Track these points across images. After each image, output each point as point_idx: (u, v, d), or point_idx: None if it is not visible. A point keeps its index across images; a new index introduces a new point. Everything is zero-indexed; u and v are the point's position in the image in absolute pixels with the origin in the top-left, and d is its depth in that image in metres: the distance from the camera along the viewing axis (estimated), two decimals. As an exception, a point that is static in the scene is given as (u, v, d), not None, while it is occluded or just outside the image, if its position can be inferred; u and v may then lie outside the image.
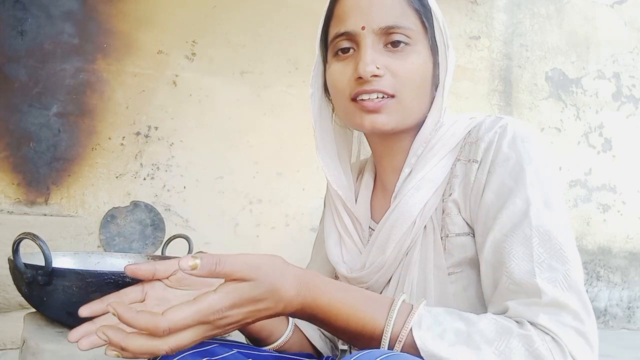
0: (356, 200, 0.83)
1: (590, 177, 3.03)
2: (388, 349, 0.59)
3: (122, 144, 2.12)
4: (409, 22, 0.72)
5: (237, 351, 0.77)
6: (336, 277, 0.87)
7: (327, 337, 0.89)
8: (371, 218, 0.82)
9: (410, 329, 0.58)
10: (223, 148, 2.26)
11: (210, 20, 2.26)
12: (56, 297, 0.99)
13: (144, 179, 2.15)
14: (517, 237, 0.62)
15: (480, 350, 0.56)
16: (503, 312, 0.61)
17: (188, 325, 0.53)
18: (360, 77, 0.71)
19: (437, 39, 0.75)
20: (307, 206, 2.38)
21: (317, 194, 2.37)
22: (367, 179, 0.85)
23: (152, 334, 0.52)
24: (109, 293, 0.96)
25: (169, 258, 1.36)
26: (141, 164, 2.15)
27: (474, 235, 0.70)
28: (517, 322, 0.58)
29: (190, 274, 0.54)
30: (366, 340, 0.62)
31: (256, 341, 0.80)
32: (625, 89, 3.13)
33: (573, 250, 0.63)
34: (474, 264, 0.70)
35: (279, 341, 0.80)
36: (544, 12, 2.99)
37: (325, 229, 0.85)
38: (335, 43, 0.75)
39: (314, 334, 0.86)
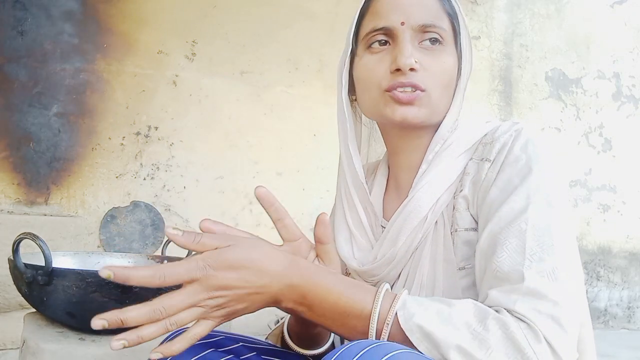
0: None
1: (590, 177, 3.03)
2: (376, 334, 0.61)
3: (122, 144, 2.12)
4: (443, 23, 0.76)
5: (242, 344, 0.80)
6: (347, 273, 0.87)
7: None
8: (383, 217, 0.84)
9: (396, 313, 0.60)
10: (223, 148, 2.26)
11: (210, 20, 2.26)
12: (56, 297, 0.99)
13: (144, 179, 2.15)
14: (512, 230, 0.64)
15: (458, 330, 0.58)
16: (484, 300, 0.63)
17: (180, 279, 0.58)
18: (398, 69, 0.73)
19: (464, 43, 0.78)
20: (307, 206, 2.38)
21: (317, 194, 2.38)
22: (380, 178, 0.87)
23: (151, 283, 0.57)
24: (109, 293, 0.97)
25: (169, 258, 1.37)
26: (141, 164, 2.15)
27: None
28: (495, 310, 0.60)
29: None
30: (352, 325, 0.63)
31: (307, 344, 0.82)
32: (625, 89, 3.13)
33: (567, 247, 0.64)
34: None
35: (324, 347, 0.82)
36: (544, 12, 2.99)
37: (335, 226, 0.87)
38: (370, 37, 0.77)
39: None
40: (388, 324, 0.60)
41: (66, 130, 2.04)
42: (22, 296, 1.06)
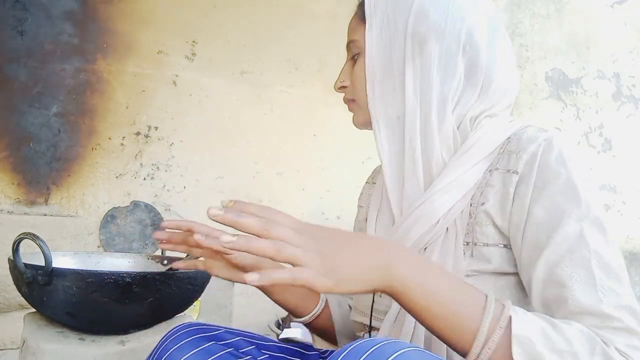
0: None
1: (590, 177, 3.03)
2: (487, 332, 0.58)
3: (122, 144, 2.12)
4: (358, 35, 0.84)
5: (241, 338, 0.84)
6: None
7: (348, 326, 0.96)
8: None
9: (510, 317, 0.59)
10: (223, 148, 2.26)
11: (210, 20, 2.26)
12: (56, 297, 0.99)
13: (144, 179, 2.15)
14: (576, 260, 0.64)
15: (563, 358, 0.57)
16: None
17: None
18: None
19: (366, 42, 0.83)
20: (307, 206, 2.38)
21: (317, 194, 2.37)
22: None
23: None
24: (109, 293, 0.97)
25: (170, 258, 1.36)
26: (141, 164, 2.15)
27: (506, 246, 0.71)
28: (603, 341, 0.60)
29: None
30: (457, 334, 0.60)
31: (293, 313, 0.92)
32: (625, 89, 3.13)
33: (625, 271, 0.65)
34: (494, 272, 0.71)
35: (311, 314, 0.93)
36: (544, 12, 2.99)
37: (375, 188, 0.93)
38: None
39: (338, 318, 0.96)
40: (502, 327, 0.58)
41: (66, 130, 2.04)
42: (22, 296, 1.06)
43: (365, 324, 0.84)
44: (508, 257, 0.71)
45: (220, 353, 0.79)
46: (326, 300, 0.97)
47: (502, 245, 0.71)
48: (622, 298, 0.61)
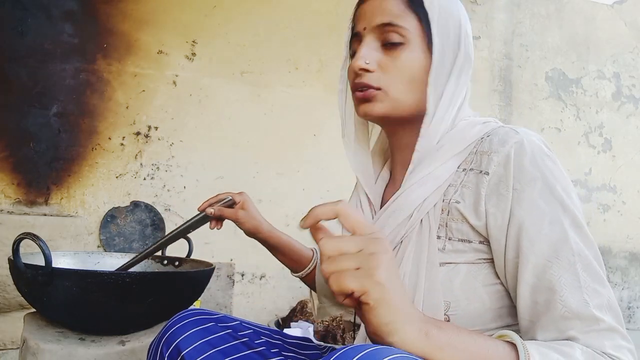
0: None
1: (590, 177, 3.03)
2: None
3: (122, 144, 2.12)
4: (405, 22, 0.78)
5: (240, 323, 0.91)
6: None
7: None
8: (381, 208, 0.87)
9: None
10: (223, 148, 2.27)
11: (210, 20, 2.26)
12: (56, 297, 0.99)
13: (144, 179, 2.15)
14: (562, 264, 0.66)
15: None
16: (563, 339, 0.65)
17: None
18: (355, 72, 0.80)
19: (434, 41, 0.79)
20: (307, 206, 2.37)
21: (317, 194, 2.37)
22: (385, 172, 0.92)
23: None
24: (109, 293, 0.97)
25: (169, 258, 1.37)
26: (141, 164, 2.15)
27: (482, 242, 0.73)
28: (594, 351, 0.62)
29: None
30: None
31: (291, 270, 1.14)
32: (625, 89, 3.13)
33: (602, 263, 0.68)
34: (466, 263, 0.74)
35: (304, 271, 1.12)
36: (544, 12, 2.99)
37: (352, 198, 0.93)
38: (351, 44, 0.85)
39: (320, 278, 1.09)
40: None
41: (66, 130, 2.04)
42: (22, 296, 1.06)
43: (351, 322, 0.87)
44: (483, 251, 0.74)
45: (221, 333, 0.87)
46: (317, 261, 1.12)
47: (477, 242, 0.73)
48: (604, 297, 0.65)
